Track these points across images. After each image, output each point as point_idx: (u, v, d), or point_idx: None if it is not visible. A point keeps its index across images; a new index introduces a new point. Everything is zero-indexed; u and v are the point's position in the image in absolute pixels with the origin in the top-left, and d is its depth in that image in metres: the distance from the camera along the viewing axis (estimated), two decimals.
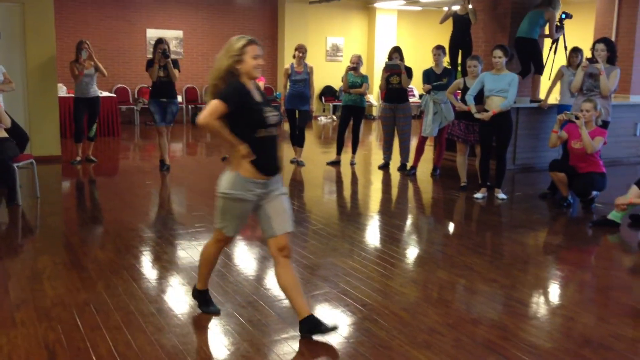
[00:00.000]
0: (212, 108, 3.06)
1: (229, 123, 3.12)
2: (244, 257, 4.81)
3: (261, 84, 8.67)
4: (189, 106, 13.88)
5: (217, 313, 3.57)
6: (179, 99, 9.10)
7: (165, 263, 4.54)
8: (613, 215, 5.64)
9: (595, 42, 6.71)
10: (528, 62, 8.37)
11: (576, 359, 3.12)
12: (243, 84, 3.16)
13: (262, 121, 3.18)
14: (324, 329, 3.28)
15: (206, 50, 14.13)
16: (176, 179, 7.71)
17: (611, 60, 6.58)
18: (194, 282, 4.06)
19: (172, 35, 13.50)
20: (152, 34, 13.23)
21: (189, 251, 4.76)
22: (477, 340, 3.31)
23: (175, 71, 7.84)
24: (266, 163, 3.22)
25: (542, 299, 4.11)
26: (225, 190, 3.26)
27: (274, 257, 3.34)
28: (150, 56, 8.18)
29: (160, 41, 7.81)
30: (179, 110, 8.66)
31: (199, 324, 3.49)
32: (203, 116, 3.08)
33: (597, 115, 6.20)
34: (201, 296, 3.60)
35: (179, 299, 3.85)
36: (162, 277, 4.27)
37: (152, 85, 7.96)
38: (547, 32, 8.45)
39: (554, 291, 4.25)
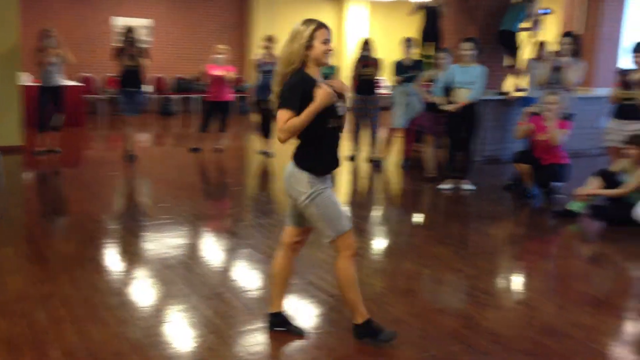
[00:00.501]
0: (280, 121, 2.89)
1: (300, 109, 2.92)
2: (211, 248, 4.79)
3: (232, 73, 8.58)
4: (157, 96, 13.70)
5: (394, 337, 3.15)
6: (149, 88, 8.98)
7: (131, 255, 4.49)
8: (574, 206, 5.76)
9: (561, 36, 6.82)
10: (512, 52, 8.54)
11: (537, 347, 3.19)
12: (306, 74, 2.97)
13: (332, 111, 2.97)
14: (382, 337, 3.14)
15: (176, 39, 13.95)
16: (143, 170, 7.62)
17: (576, 53, 6.70)
18: (160, 274, 4.04)
19: (142, 24, 13.28)
20: (120, 21, 13.00)
21: (155, 243, 4.72)
22: (442, 330, 3.36)
23: (144, 60, 7.73)
24: (333, 156, 3.06)
25: (506, 288, 4.19)
26: (309, 191, 2.97)
27: (300, 243, 3.26)
28: (118, 44, 8.05)
29: (129, 29, 7.71)
30: (147, 100, 8.55)
31: (164, 316, 3.46)
32: (279, 133, 2.92)
33: (560, 107, 6.31)
34: (368, 328, 3.15)
35: (143, 291, 3.82)
36: (127, 270, 4.23)
37: (120, 75, 7.84)
38: (526, 25, 8.60)
39: (518, 281, 4.33)
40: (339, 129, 3.07)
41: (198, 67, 10.08)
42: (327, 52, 2.98)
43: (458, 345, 3.16)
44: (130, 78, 7.74)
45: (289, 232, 3.22)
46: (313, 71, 2.99)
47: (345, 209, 3.04)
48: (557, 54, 6.62)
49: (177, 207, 5.74)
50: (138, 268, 4.23)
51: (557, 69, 6.71)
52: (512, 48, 8.47)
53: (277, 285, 3.26)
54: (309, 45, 2.94)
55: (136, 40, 7.57)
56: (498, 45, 8.57)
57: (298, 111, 2.88)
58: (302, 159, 3.02)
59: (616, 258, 4.90)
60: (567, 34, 6.80)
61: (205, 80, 9.27)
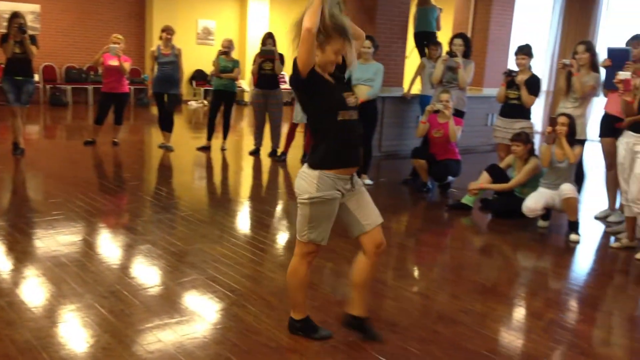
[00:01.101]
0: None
1: (307, 103, 2.91)
2: (106, 245, 4.62)
3: (127, 64, 8.28)
4: (47, 86, 12.99)
5: (329, 336, 3.19)
6: (36, 77, 8.48)
7: (19, 254, 4.24)
8: (466, 200, 6.07)
9: (453, 37, 7.12)
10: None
11: (431, 334, 3.34)
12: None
13: (341, 102, 2.87)
14: (368, 334, 3.19)
15: (66, 26, 13.28)
16: (32, 164, 7.21)
17: (467, 54, 7.03)
18: (51, 273, 3.85)
19: (28, 9, 12.51)
20: (4, 6, 12.20)
21: (46, 240, 4.48)
22: (341, 321, 3.43)
23: (33, 48, 7.30)
24: (347, 151, 2.90)
25: (401, 279, 4.34)
26: (313, 194, 2.86)
27: (367, 254, 3.05)
28: (3, 31, 7.55)
29: (16, 15, 7.23)
30: (35, 90, 8.08)
31: (56, 317, 3.30)
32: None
33: (453, 105, 6.62)
34: (306, 325, 3.19)
35: (33, 290, 3.61)
36: (15, 269, 3.98)
37: (6, 62, 7.35)
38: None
39: (413, 271, 4.50)
40: (352, 122, 2.91)
41: (92, 57, 9.66)
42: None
43: (357, 335, 3.24)
44: (18, 66, 7.28)
45: (365, 241, 3.04)
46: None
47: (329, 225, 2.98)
48: (450, 54, 6.91)
49: (69, 203, 5.48)
50: (27, 267, 4.00)
51: (450, 69, 7.01)
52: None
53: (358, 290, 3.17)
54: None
55: (24, 27, 7.13)
56: (418, 46, 8.95)
57: (306, 95, 2.92)
58: (313, 155, 2.92)
59: (504, 248, 5.21)
60: (458, 35, 7.11)
61: (100, 71, 8.89)
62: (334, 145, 2.87)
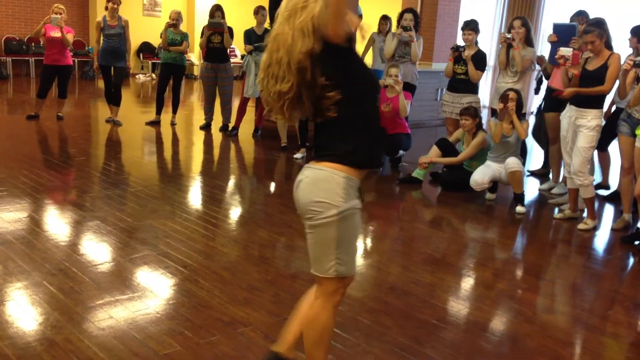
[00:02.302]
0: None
1: (343, 87, 2.11)
2: (54, 221, 4.51)
3: (70, 36, 7.99)
4: None
5: None
6: None
7: None
8: (417, 173, 6.17)
9: (403, 12, 7.14)
10: None
11: (382, 305, 3.41)
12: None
13: (376, 85, 2.32)
14: None
15: None
16: None
17: (416, 29, 7.08)
18: None
19: None
20: None
21: None
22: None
23: None
24: (379, 149, 2.29)
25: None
26: (344, 205, 2.11)
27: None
28: None
29: None
30: None
31: (2, 295, 3.21)
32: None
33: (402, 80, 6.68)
34: None
35: None
36: None
37: None
38: None
39: (365, 244, 4.57)
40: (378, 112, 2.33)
41: (32, 28, 9.29)
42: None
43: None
44: None
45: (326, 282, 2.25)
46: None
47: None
48: (405, 28, 6.94)
49: (13, 179, 5.30)
50: None
51: (404, 43, 7.05)
52: None
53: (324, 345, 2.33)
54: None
55: None
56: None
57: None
58: (343, 151, 2.14)
59: (453, 221, 5.33)
60: (408, 10, 7.14)
61: (42, 42, 8.57)
62: (369, 138, 2.20)
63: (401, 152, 6.89)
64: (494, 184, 5.70)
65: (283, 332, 2.50)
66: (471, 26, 6.35)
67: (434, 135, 7.24)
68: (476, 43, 6.40)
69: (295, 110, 2.19)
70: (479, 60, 6.33)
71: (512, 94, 5.42)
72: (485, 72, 6.63)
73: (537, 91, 7.43)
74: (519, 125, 5.34)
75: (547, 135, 6.25)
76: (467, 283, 3.95)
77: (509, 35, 5.99)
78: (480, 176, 5.53)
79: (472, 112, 5.90)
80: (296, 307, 2.49)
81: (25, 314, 3.04)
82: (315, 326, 2.29)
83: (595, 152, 5.81)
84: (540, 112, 6.66)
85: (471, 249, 4.62)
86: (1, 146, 6.69)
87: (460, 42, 6.72)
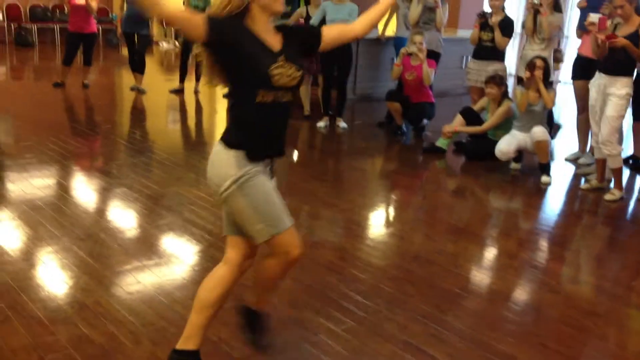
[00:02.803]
0: (187, 13, 2.17)
1: (228, 77, 2.20)
2: (82, 188, 4.58)
3: (94, 3, 8.00)
4: (11, 25, 12.52)
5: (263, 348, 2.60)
6: None
7: None
8: (441, 142, 6.12)
9: None
10: None
11: (405, 273, 3.43)
12: (232, 20, 2.12)
13: (264, 79, 2.13)
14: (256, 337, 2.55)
15: None
16: (0, 107, 7.03)
17: None
18: (27, 217, 3.83)
19: None
20: None
21: (19, 184, 4.43)
22: (318, 262, 3.50)
23: None
24: (260, 143, 2.24)
25: (377, 221, 4.41)
26: (234, 177, 2.16)
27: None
28: None
29: None
30: None
31: (34, 260, 3.30)
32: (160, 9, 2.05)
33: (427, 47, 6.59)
34: (250, 317, 2.56)
35: (9, 234, 3.60)
36: None
37: None
38: None
39: (389, 213, 4.58)
40: (278, 106, 2.22)
41: None
42: None
43: (333, 276, 3.32)
44: None
45: (233, 244, 2.36)
46: (259, 24, 2.16)
47: (283, 204, 2.27)
48: None
49: (41, 146, 5.39)
50: (2, 210, 3.96)
51: (428, 9, 6.93)
52: None
53: (210, 312, 2.38)
54: None
55: None
56: None
57: (216, 47, 2.13)
58: (230, 134, 2.24)
59: (477, 190, 5.30)
60: None
61: (66, 10, 8.59)
62: (255, 131, 2.25)
63: (425, 121, 6.84)
64: (519, 154, 5.63)
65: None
66: None
67: (459, 103, 7.15)
68: (503, 9, 6.26)
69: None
70: (506, 26, 6.20)
71: (539, 62, 5.31)
72: (512, 39, 6.49)
73: None
74: (545, 94, 5.25)
75: None
76: (491, 253, 3.95)
77: (536, 1, 5.86)
78: (506, 145, 5.47)
79: (498, 80, 5.81)
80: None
81: (56, 277, 3.12)
82: (266, 276, 2.39)
83: (630, 122, 5.71)
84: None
85: (495, 219, 4.60)
86: (28, 114, 6.78)
87: (486, 8, 6.58)
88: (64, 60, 8.29)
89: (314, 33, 2.37)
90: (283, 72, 2.15)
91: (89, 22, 8.14)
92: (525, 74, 5.43)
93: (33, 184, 4.44)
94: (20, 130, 6.14)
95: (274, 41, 2.20)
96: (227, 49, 2.12)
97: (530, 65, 5.33)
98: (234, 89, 2.24)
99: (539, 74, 5.26)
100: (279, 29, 2.26)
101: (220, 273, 2.40)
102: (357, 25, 2.46)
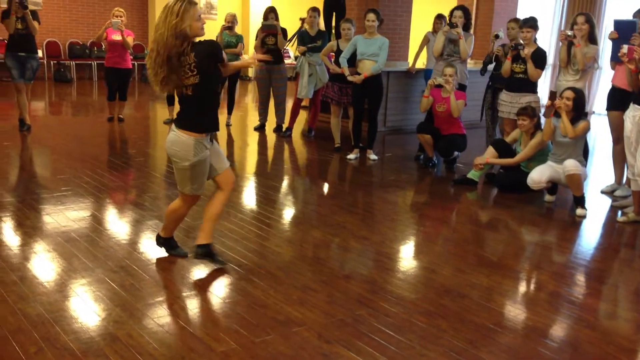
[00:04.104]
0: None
1: (213, 76, 3.41)
2: (115, 221, 4.65)
3: (130, 39, 8.24)
4: (51, 62, 12.95)
5: (185, 255, 3.85)
6: (40, 53, 8.47)
7: (29, 229, 4.28)
8: (472, 174, 6.07)
9: (453, 9, 7.03)
10: None
11: (437, 308, 3.37)
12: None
13: (220, 76, 3.51)
14: (216, 259, 3.74)
15: (68, 1, 13.18)
16: (38, 140, 7.23)
17: (466, 27, 6.97)
18: (60, 248, 3.90)
19: None
20: None
21: (55, 216, 4.52)
22: (349, 295, 3.47)
23: (35, 23, 7.28)
24: (214, 119, 3.53)
25: (408, 253, 4.37)
26: (192, 159, 3.42)
27: (222, 189, 3.72)
28: (5, 6, 7.51)
29: None
30: (39, 66, 8.08)
31: (67, 291, 3.35)
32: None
33: (456, 79, 6.60)
34: (167, 242, 3.87)
35: (44, 266, 3.66)
36: (26, 244, 4.03)
37: (8, 38, 7.34)
38: None
39: (419, 246, 4.53)
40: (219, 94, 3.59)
41: (95, 32, 9.62)
42: (202, 26, 3.33)
43: (363, 309, 3.29)
44: (21, 42, 7.27)
45: (217, 181, 3.72)
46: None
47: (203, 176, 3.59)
48: (452, 25, 6.86)
49: (77, 179, 5.51)
50: (37, 242, 4.04)
51: (451, 41, 6.96)
52: None
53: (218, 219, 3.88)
54: (189, 24, 3.27)
55: (25, 2, 7.09)
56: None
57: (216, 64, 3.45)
58: (188, 121, 3.42)
59: (509, 223, 5.22)
60: (458, 7, 7.04)
61: (104, 46, 8.86)
62: (206, 114, 3.49)
63: (456, 153, 6.80)
64: (554, 185, 5.55)
65: (201, 231, 3.78)
66: (530, 23, 6.20)
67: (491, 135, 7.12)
68: (535, 41, 6.25)
69: (167, 85, 3.35)
70: (539, 58, 6.17)
71: (567, 93, 5.26)
72: (544, 70, 6.45)
73: (482, 72, 7.33)
74: (567, 125, 5.18)
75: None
76: (525, 287, 3.86)
77: (569, 33, 5.83)
78: (538, 174, 5.40)
79: (530, 112, 5.76)
80: (206, 211, 3.76)
81: (89, 309, 3.15)
82: (175, 214, 3.79)
83: None
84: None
85: (529, 252, 4.52)
86: (66, 147, 6.96)
87: (505, 39, 6.58)
88: (107, 96, 8.52)
89: None
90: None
91: (125, 58, 8.37)
92: (547, 103, 5.39)
93: (68, 216, 4.53)
94: (57, 163, 6.30)
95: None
96: None
97: (552, 95, 5.30)
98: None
99: (559, 103, 5.22)
100: None
101: (221, 197, 3.75)
102: None
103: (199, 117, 3.42)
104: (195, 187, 3.58)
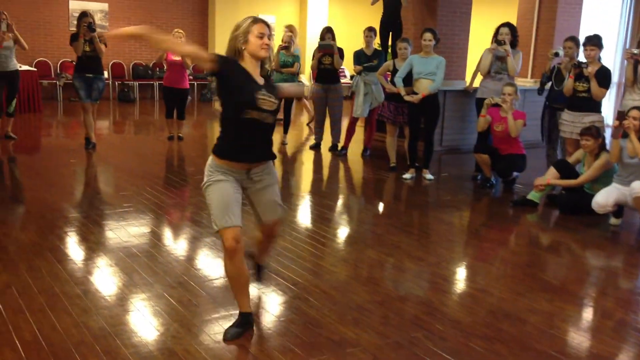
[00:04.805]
0: (201, 50, 3.07)
1: (223, 98, 3.04)
2: (174, 237, 4.76)
3: (190, 60, 8.46)
4: (116, 82, 13.44)
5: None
6: (105, 74, 8.80)
7: (92, 244, 4.42)
8: (532, 196, 5.91)
9: (499, 26, 6.90)
10: None
11: (495, 332, 3.28)
12: (239, 64, 3.02)
13: (252, 102, 2.94)
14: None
15: (133, 24, 13.63)
16: (103, 158, 7.49)
17: (513, 44, 6.84)
18: (123, 263, 4.01)
19: (97, 8, 12.98)
20: (75, 6, 12.68)
21: (117, 232, 4.66)
22: (404, 317, 3.42)
23: (102, 46, 7.58)
24: (243, 147, 3.02)
25: (464, 275, 4.28)
26: (206, 179, 3.07)
27: (262, 235, 3.42)
28: (74, 29, 7.86)
29: (85, 14, 7.54)
30: (105, 87, 8.39)
31: (128, 305, 3.43)
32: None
33: (516, 98, 6.47)
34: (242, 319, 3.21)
35: (106, 280, 3.77)
36: (89, 259, 4.16)
37: (77, 60, 7.66)
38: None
39: (476, 268, 4.43)
40: (260, 123, 3.00)
41: (157, 54, 9.93)
42: (263, 45, 2.98)
43: (419, 332, 3.23)
44: (88, 64, 7.58)
45: (261, 229, 3.39)
46: (248, 64, 3.03)
47: (233, 205, 2.99)
48: (499, 42, 6.74)
49: (138, 196, 5.66)
50: (100, 257, 4.17)
51: (498, 59, 6.84)
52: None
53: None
54: (245, 40, 2.99)
55: (93, 25, 7.40)
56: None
57: (221, 80, 3.02)
58: (216, 143, 3.11)
59: (572, 246, 5.05)
60: (505, 25, 6.91)
61: (164, 67, 9.14)
62: (233, 140, 3.06)
63: (515, 173, 6.65)
64: (620, 208, 5.34)
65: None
66: (594, 41, 6.03)
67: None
68: (599, 59, 6.07)
69: None
70: (603, 77, 5.98)
71: (635, 112, 5.08)
72: (609, 89, 6.25)
73: (539, 92, 7.18)
74: (636, 144, 4.99)
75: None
76: (589, 313, 3.72)
77: (635, 51, 5.65)
78: (604, 198, 5.21)
79: (595, 132, 5.58)
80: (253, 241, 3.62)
81: (148, 324, 3.22)
82: (225, 269, 3.15)
83: None
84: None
85: (593, 277, 4.35)
86: (128, 164, 7.18)
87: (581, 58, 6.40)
88: (165, 114, 8.77)
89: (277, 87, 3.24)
90: (266, 98, 2.99)
91: (183, 78, 8.59)
92: (614, 123, 5.21)
93: (129, 232, 4.66)
94: (120, 180, 6.50)
95: (258, 78, 3.04)
96: (226, 77, 2.98)
97: (620, 115, 5.13)
98: (225, 107, 3.05)
99: (628, 123, 5.04)
100: (264, 77, 3.09)
101: (260, 240, 3.47)
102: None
103: (219, 140, 3.09)
104: (214, 218, 3.00)
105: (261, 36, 2.97)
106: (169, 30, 13.34)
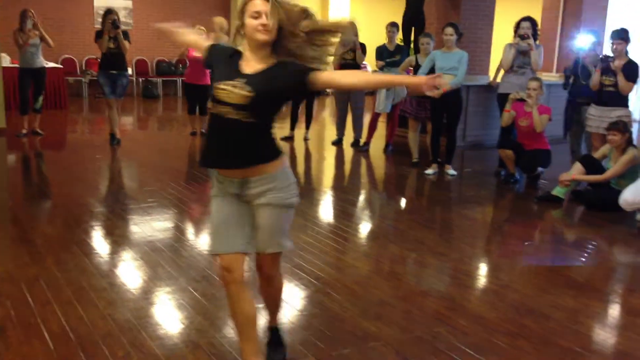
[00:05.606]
0: (201, 39, 2.80)
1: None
2: (197, 232, 4.80)
3: None
4: (140, 79, 13.57)
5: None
6: (129, 71, 8.90)
7: (117, 238, 4.49)
8: (557, 191, 5.85)
9: (520, 21, 6.83)
10: None
11: (518, 328, 3.26)
12: (234, 49, 2.49)
13: (213, 92, 2.41)
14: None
15: (156, 21, 13.71)
16: (127, 154, 7.58)
17: (534, 38, 6.76)
18: (148, 257, 4.06)
19: (121, 5, 13.11)
20: (100, 3, 12.82)
21: (142, 226, 4.72)
22: (426, 312, 3.42)
23: (126, 42, 7.66)
24: (216, 150, 2.46)
25: (487, 271, 4.26)
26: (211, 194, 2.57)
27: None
28: (99, 27, 7.96)
29: (109, 11, 7.63)
30: (129, 83, 8.48)
31: (153, 298, 3.48)
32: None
33: (541, 93, 6.40)
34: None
35: (131, 273, 3.82)
36: (114, 252, 4.23)
37: (101, 57, 7.76)
38: None
39: (499, 264, 4.40)
40: (223, 119, 2.37)
41: (179, 50, 10.00)
42: (258, 27, 2.35)
43: (441, 327, 3.23)
44: (113, 61, 7.66)
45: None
46: (247, 51, 2.45)
47: (222, 228, 2.50)
48: (522, 37, 6.67)
49: (162, 191, 5.73)
50: (125, 251, 4.23)
51: (522, 53, 6.77)
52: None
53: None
54: (242, 22, 2.40)
55: (117, 23, 7.49)
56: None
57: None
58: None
59: (598, 242, 4.99)
60: (525, 19, 6.83)
61: (187, 63, 9.21)
62: (208, 141, 2.53)
63: (540, 169, 6.58)
64: None
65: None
66: (621, 35, 5.94)
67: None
68: (626, 53, 5.98)
69: None
70: (630, 70, 5.89)
71: None
72: (636, 83, 6.15)
73: (565, 86, 7.10)
74: None
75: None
76: (615, 310, 3.68)
77: None
78: (632, 195, 5.13)
79: (622, 126, 5.50)
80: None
81: (173, 316, 3.26)
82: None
83: None
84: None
85: (619, 274, 4.30)
86: (152, 160, 7.26)
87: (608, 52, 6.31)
88: (187, 110, 8.84)
89: (300, 76, 2.40)
90: (228, 89, 2.35)
91: (204, 75, 8.63)
92: None
93: (154, 226, 4.72)
94: (145, 176, 6.57)
95: (251, 66, 2.42)
96: (214, 67, 2.51)
97: None
98: None
99: None
100: (278, 62, 2.43)
101: (261, 285, 2.90)
102: (355, 78, 2.65)
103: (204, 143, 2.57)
104: (211, 241, 2.56)
105: (256, 16, 2.35)
106: (191, 27, 13.47)
